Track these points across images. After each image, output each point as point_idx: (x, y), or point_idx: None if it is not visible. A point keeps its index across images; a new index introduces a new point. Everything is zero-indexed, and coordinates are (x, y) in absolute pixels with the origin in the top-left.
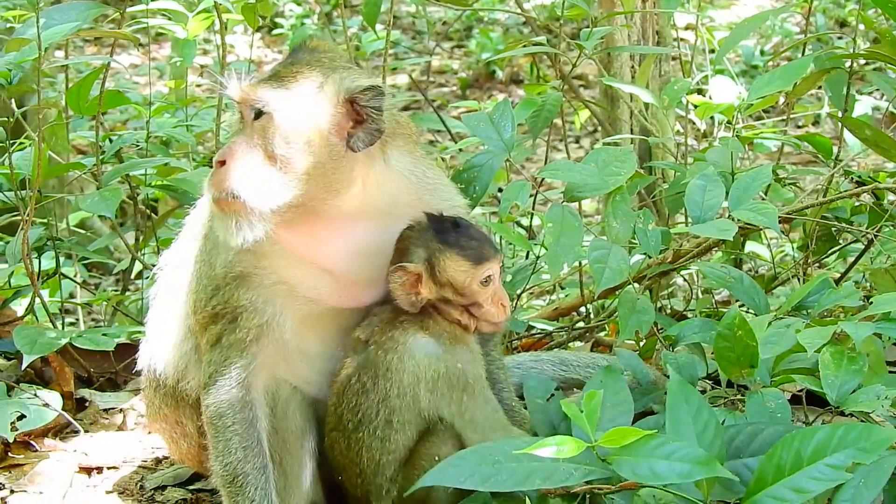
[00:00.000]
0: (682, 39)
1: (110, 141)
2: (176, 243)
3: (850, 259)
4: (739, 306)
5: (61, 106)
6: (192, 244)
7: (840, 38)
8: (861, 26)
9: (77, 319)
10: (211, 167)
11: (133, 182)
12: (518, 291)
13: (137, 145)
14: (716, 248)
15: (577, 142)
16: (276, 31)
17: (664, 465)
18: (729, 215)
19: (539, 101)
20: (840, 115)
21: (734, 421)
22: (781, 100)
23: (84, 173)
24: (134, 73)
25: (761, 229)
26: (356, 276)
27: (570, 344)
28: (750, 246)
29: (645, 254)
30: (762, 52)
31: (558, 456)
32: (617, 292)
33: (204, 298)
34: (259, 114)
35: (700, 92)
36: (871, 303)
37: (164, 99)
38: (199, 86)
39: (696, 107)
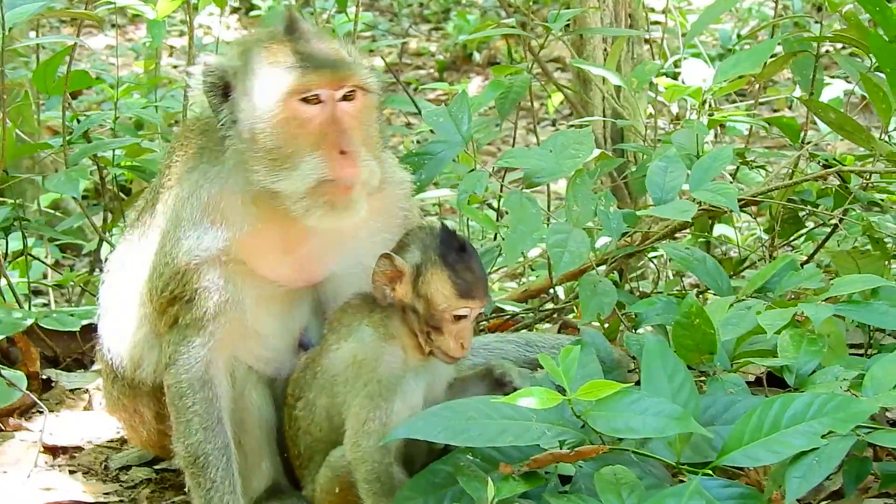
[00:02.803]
0: (656, 23)
1: (78, 121)
2: (126, 236)
3: (819, 242)
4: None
5: (27, 86)
6: (145, 234)
7: (817, 22)
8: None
9: (48, 301)
10: None
11: (101, 163)
12: (489, 271)
13: (104, 125)
14: (686, 231)
15: (554, 125)
16: (253, 13)
17: (639, 420)
18: (691, 197)
19: (506, 84)
20: (808, 98)
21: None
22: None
23: (52, 153)
24: (109, 54)
25: (726, 211)
26: (316, 255)
27: (539, 326)
28: (722, 229)
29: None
30: (739, 37)
31: (535, 407)
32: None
33: (160, 286)
34: (347, 96)
35: (674, 76)
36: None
37: (138, 80)
38: (174, 67)
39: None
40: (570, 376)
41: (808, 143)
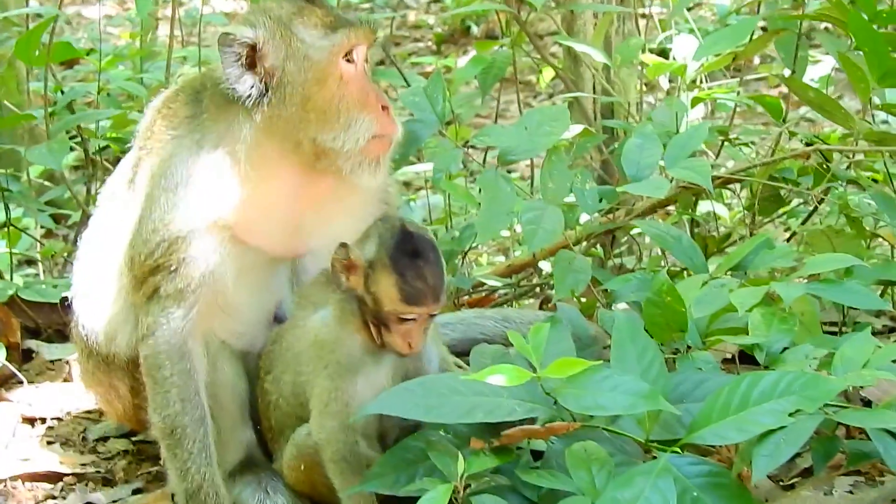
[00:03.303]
0: None
1: (62, 93)
2: (101, 209)
3: (800, 220)
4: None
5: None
6: (125, 205)
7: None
8: None
9: (39, 272)
10: None
11: (85, 135)
12: (465, 248)
13: (89, 97)
14: (670, 208)
15: (551, 98)
16: None
17: (608, 398)
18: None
19: (489, 58)
20: (788, 77)
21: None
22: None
23: (37, 124)
24: (107, 23)
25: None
26: (306, 225)
27: (521, 301)
28: (712, 207)
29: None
30: (737, 13)
31: (504, 384)
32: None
33: (144, 254)
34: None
35: (666, 53)
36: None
37: (129, 51)
38: (176, 38)
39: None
40: (540, 353)
41: (789, 121)
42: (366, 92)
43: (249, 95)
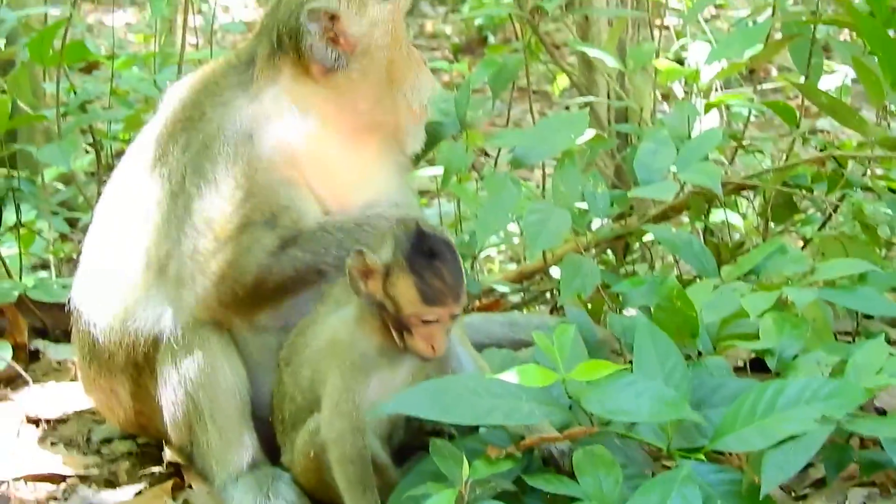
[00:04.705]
0: (663, 4)
1: (75, 93)
2: (113, 194)
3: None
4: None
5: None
6: (164, 175)
7: (813, 11)
8: None
9: (52, 275)
10: None
11: (97, 135)
12: (476, 251)
13: (100, 98)
14: (685, 219)
15: (568, 109)
16: None
17: (633, 403)
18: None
19: (499, 63)
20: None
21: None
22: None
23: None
24: (128, 30)
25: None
26: (357, 182)
27: (532, 307)
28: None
29: (608, 217)
30: (753, 22)
31: (529, 384)
32: None
33: (230, 210)
34: None
35: (680, 62)
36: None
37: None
38: (194, 46)
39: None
40: (565, 355)
41: (806, 127)
42: (411, 52)
43: (330, 66)
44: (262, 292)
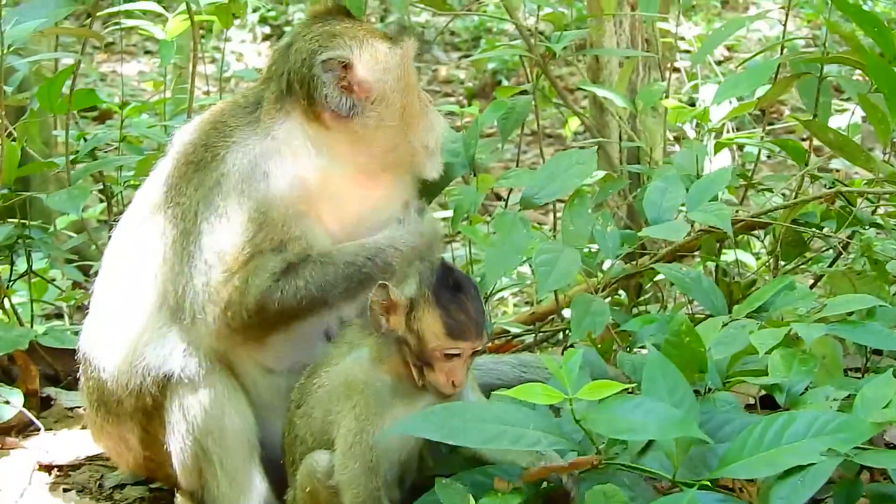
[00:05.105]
0: (674, 47)
1: (85, 140)
2: (121, 237)
3: (826, 265)
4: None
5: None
6: (176, 214)
7: (818, 45)
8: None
9: (65, 323)
10: None
11: (108, 181)
12: (488, 291)
13: (110, 145)
14: (694, 254)
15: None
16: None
17: (639, 423)
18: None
19: (508, 105)
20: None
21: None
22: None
23: (58, 171)
24: (140, 78)
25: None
26: (365, 220)
27: (544, 348)
28: (737, 255)
29: (618, 257)
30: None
31: (537, 402)
32: None
33: (251, 231)
34: None
35: (692, 104)
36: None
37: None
38: (206, 93)
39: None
40: (573, 377)
41: (814, 165)
42: (420, 94)
43: (345, 114)
44: (268, 315)
